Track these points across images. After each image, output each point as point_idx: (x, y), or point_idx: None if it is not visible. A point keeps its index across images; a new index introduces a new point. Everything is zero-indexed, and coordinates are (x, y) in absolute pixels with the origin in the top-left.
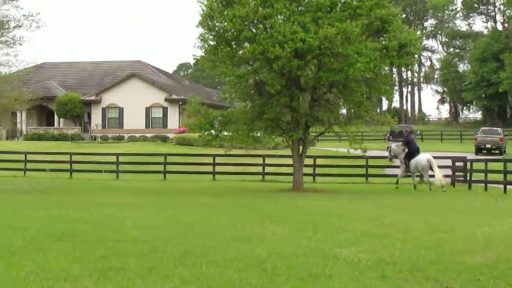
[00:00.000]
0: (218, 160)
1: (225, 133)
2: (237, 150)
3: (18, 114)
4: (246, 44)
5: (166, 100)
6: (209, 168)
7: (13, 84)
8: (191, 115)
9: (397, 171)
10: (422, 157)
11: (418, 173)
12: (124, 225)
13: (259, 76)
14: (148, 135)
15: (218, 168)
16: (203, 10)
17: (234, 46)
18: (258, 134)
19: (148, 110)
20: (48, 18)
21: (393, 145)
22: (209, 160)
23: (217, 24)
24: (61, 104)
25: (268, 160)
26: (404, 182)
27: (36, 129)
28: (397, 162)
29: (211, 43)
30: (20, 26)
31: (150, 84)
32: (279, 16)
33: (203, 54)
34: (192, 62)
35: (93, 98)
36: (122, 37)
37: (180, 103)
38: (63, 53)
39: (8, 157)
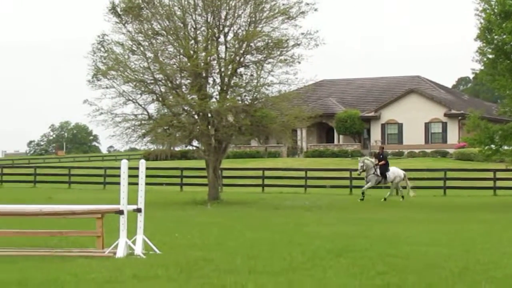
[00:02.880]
0: (499, 175)
1: (506, 147)
2: None
3: (298, 132)
4: None
5: (445, 115)
6: (490, 183)
7: (293, 102)
8: (470, 130)
9: None
10: (399, 170)
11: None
12: (402, 240)
13: None
14: (428, 150)
15: (499, 183)
16: (481, 23)
17: None
18: None
19: (427, 126)
20: (327, 36)
21: (367, 160)
22: (489, 175)
23: (495, 37)
24: (340, 121)
25: None
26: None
27: (316, 146)
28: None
29: (490, 56)
30: (298, 45)
31: (429, 99)
32: None
33: (482, 68)
34: (471, 76)
35: (372, 114)
36: (400, 53)
37: (460, 118)
38: (340, 70)
39: (289, 174)
